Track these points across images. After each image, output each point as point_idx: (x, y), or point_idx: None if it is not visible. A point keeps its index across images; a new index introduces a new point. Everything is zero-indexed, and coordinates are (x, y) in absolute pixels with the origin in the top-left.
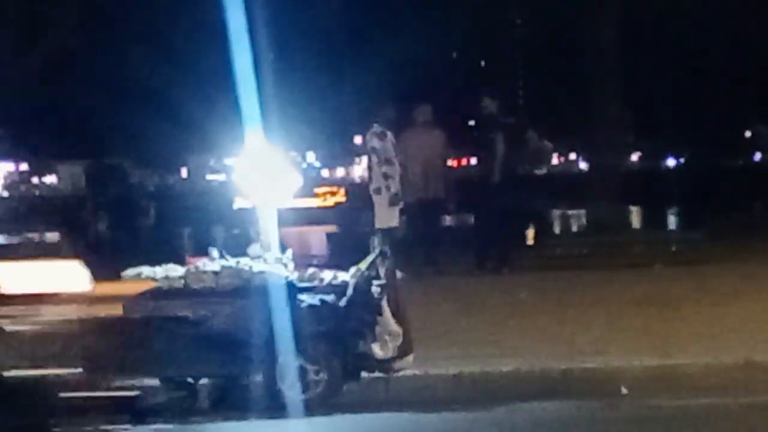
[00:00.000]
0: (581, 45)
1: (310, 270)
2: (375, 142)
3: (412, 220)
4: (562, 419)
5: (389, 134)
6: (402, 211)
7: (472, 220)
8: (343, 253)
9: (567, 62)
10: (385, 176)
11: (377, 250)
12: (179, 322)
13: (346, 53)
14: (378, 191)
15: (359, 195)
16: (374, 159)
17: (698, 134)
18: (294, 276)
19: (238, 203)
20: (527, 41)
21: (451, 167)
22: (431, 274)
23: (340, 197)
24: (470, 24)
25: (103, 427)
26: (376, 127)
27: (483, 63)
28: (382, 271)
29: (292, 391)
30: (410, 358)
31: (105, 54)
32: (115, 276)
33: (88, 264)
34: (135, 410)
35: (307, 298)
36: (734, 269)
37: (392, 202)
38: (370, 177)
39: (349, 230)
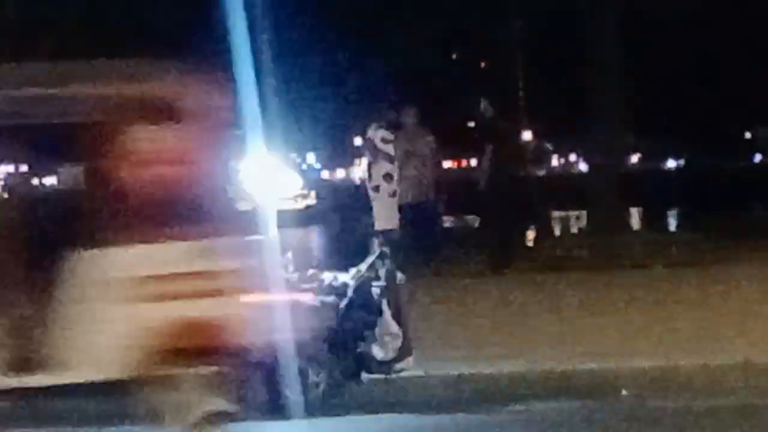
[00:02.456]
0: (581, 45)
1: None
2: (372, 142)
3: (407, 221)
4: (562, 419)
5: (388, 134)
6: (400, 210)
7: (471, 221)
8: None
9: (567, 63)
10: (383, 174)
11: (377, 252)
12: None
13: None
14: (377, 189)
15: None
16: (371, 158)
17: (698, 135)
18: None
19: None
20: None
21: (446, 169)
22: (431, 275)
23: (311, 200)
24: (470, 24)
25: (103, 426)
26: (375, 127)
27: (483, 64)
28: (382, 273)
29: (292, 391)
30: (410, 359)
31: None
32: None
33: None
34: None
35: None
36: (734, 270)
37: (392, 195)
38: (369, 176)
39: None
